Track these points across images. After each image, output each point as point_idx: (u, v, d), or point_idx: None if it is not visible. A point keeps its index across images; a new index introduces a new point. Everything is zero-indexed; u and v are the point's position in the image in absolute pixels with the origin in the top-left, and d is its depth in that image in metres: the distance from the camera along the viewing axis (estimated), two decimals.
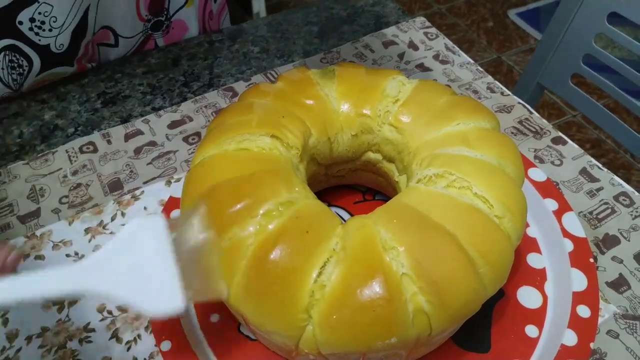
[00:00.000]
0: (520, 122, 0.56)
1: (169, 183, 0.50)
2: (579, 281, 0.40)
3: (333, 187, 0.48)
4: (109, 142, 0.54)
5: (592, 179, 0.50)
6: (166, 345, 0.36)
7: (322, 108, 0.41)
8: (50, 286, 0.26)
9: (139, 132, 0.55)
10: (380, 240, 0.31)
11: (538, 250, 0.44)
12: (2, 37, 0.53)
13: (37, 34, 0.54)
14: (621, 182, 0.50)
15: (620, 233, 0.46)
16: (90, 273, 0.27)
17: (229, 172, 0.35)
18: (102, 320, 0.41)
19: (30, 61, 0.56)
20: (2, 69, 0.55)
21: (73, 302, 0.41)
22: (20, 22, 0.52)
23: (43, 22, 0.53)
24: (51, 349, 0.39)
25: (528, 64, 0.86)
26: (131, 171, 0.51)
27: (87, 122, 0.57)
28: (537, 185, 0.46)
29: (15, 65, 0.55)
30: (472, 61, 0.64)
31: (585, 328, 0.37)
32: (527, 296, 0.41)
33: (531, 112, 0.57)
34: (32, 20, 0.52)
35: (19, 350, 0.39)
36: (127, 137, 0.55)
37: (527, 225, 0.45)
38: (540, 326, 0.39)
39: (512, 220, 0.34)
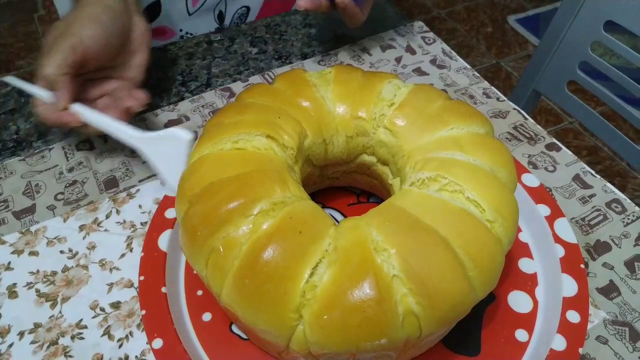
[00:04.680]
0: (515, 128, 0.56)
1: (164, 182, 0.50)
2: (569, 287, 0.40)
3: (327, 189, 0.48)
4: (105, 139, 0.54)
5: (585, 186, 0.51)
6: (158, 343, 0.36)
7: (318, 110, 0.42)
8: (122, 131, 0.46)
9: None
10: (372, 241, 0.32)
11: (530, 255, 0.44)
12: None
13: None
14: (613, 189, 0.50)
15: (612, 240, 0.46)
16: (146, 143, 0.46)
17: (224, 171, 0.35)
18: (94, 317, 0.41)
19: None
20: None
21: (66, 298, 0.42)
22: None
23: None
24: (43, 344, 0.39)
25: (524, 71, 0.87)
26: (127, 169, 0.51)
27: None
28: (530, 190, 0.47)
29: None
30: (468, 66, 0.65)
31: (574, 333, 0.38)
32: (518, 301, 0.41)
33: (526, 118, 0.57)
34: None
35: (10, 345, 0.39)
36: None
37: (519, 230, 0.46)
38: (530, 331, 0.40)
39: (504, 224, 0.34)
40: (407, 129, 0.40)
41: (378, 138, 0.41)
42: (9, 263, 0.44)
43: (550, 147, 0.54)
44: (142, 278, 0.40)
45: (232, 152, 0.37)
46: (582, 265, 0.42)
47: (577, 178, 0.51)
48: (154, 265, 0.41)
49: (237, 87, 0.61)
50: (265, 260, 0.31)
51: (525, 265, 0.44)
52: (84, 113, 0.46)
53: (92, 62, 0.48)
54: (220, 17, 0.74)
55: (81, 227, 0.46)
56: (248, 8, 0.75)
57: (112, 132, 0.47)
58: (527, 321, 0.40)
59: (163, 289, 0.40)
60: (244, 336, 0.39)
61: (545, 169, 0.52)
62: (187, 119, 0.57)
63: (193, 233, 0.34)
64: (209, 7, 0.72)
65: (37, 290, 0.42)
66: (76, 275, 0.43)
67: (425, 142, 0.39)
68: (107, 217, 0.47)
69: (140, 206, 0.48)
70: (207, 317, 0.40)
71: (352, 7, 0.58)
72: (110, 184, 0.50)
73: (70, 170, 0.51)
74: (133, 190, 0.49)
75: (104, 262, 0.44)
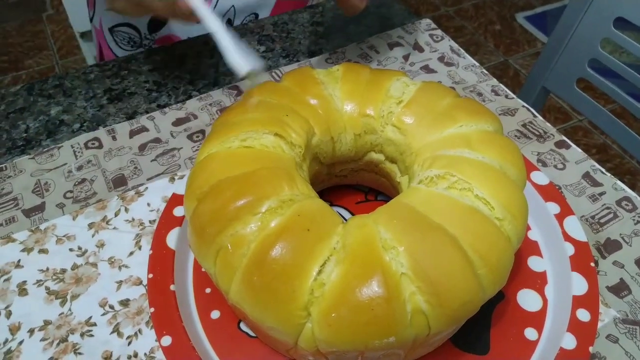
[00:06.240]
0: (524, 125, 0.56)
1: (172, 180, 0.50)
2: (579, 285, 0.40)
3: (335, 187, 0.48)
4: (114, 138, 0.55)
5: (595, 184, 0.50)
6: (166, 341, 0.37)
7: (326, 107, 0.41)
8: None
9: (144, 129, 0.56)
10: (380, 239, 0.32)
11: (539, 254, 0.44)
12: None
13: None
14: (624, 186, 0.50)
15: (622, 238, 0.46)
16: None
17: (232, 170, 0.35)
18: (103, 314, 0.41)
19: None
20: None
21: (75, 296, 0.42)
22: None
23: None
24: (53, 342, 0.39)
25: (533, 68, 0.86)
26: (135, 167, 0.52)
27: (92, 118, 0.57)
28: (540, 188, 0.46)
29: None
30: (476, 64, 0.64)
31: (584, 332, 0.37)
32: (527, 299, 0.41)
33: (535, 116, 0.57)
34: None
35: (21, 342, 0.39)
36: (132, 134, 0.55)
37: (529, 228, 0.45)
38: (539, 329, 0.39)
39: (513, 222, 0.34)
40: (415, 126, 0.40)
41: (386, 136, 0.41)
42: (19, 261, 0.44)
43: (560, 144, 0.54)
44: (150, 276, 0.40)
45: (240, 150, 0.37)
46: (592, 264, 0.41)
47: (586, 176, 0.51)
48: (162, 263, 0.41)
49: (245, 85, 0.61)
50: (274, 258, 0.31)
51: (534, 263, 0.44)
52: None
53: None
54: (229, 24, 0.75)
55: (90, 225, 0.47)
56: (257, 15, 0.75)
57: (206, 17, 0.49)
58: (537, 320, 0.40)
59: (172, 287, 0.40)
60: (252, 334, 0.39)
61: (555, 166, 0.52)
62: (195, 117, 0.57)
63: (201, 231, 0.34)
64: (217, 15, 0.72)
65: (47, 288, 0.42)
66: (85, 272, 0.43)
67: (433, 139, 0.39)
68: (116, 215, 0.47)
69: (148, 204, 0.48)
70: (215, 314, 0.40)
71: None
72: (119, 182, 0.50)
73: (79, 168, 0.52)
74: (141, 188, 0.49)
75: (113, 260, 0.44)
